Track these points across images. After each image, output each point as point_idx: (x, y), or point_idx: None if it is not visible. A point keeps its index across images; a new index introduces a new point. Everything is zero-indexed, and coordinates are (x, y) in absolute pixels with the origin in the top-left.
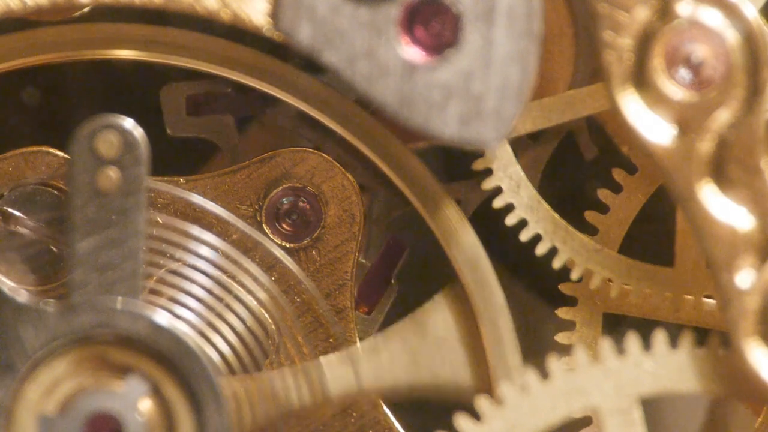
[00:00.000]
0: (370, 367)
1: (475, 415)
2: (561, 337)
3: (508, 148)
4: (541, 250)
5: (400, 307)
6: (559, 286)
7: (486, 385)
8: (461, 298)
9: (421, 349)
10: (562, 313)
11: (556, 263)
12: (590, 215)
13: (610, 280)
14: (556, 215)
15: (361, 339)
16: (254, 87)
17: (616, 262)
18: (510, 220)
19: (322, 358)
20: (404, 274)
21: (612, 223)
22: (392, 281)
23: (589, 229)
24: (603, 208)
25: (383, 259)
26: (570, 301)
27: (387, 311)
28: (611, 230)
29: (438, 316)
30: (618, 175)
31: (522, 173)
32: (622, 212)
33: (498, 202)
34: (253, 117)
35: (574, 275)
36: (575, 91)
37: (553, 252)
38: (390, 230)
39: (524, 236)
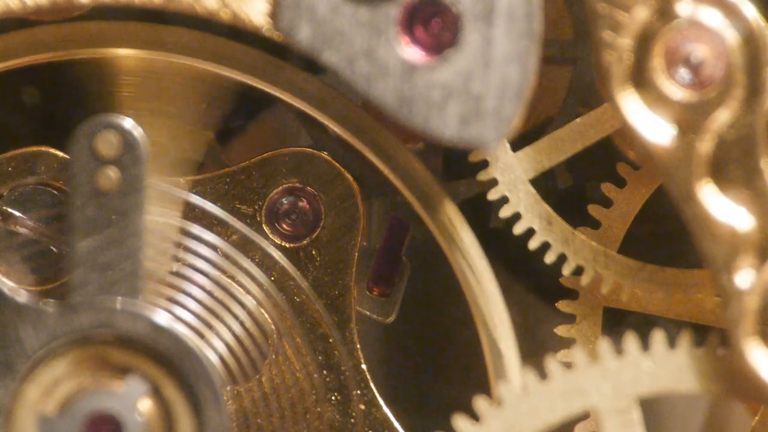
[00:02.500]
0: None
1: (474, 416)
2: (561, 330)
3: (531, 189)
4: (585, 280)
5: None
6: (560, 279)
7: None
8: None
9: None
10: (563, 306)
11: (604, 289)
12: (593, 209)
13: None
14: (593, 243)
15: (382, 321)
16: (230, 99)
17: (662, 276)
18: (549, 258)
19: None
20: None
21: (615, 218)
22: (403, 259)
23: (592, 223)
24: (606, 203)
25: (389, 239)
26: (570, 294)
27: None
28: (614, 225)
29: None
30: (622, 169)
31: (550, 209)
32: (625, 207)
33: (533, 243)
34: (235, 128)
35: (624, 297)
36: (582, 119)
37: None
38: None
39: (566, 270)
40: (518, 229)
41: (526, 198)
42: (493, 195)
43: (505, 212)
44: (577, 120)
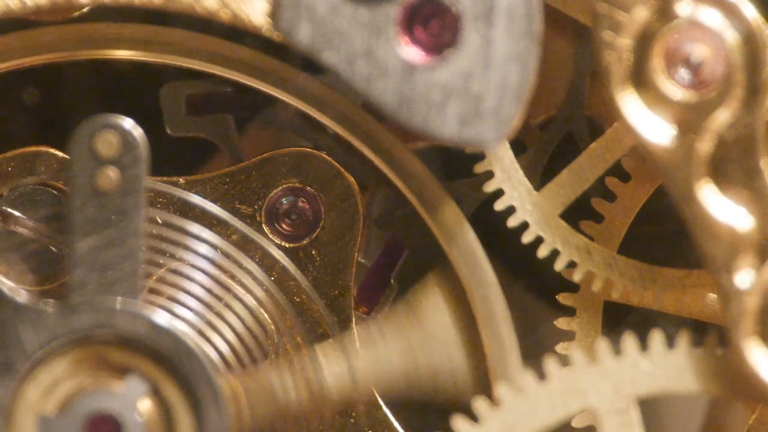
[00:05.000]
0: (366, 359)
1: (473, 417)
2: (561, 323)
3: (563, 223)
4: (635, 299)
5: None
6: (561, 273)
7: (483, 377)
8: (452, 281)
9: (416, 339)
10: (563, 298)
11: (656, 305)
12: (596, 203)
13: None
14: (638, 262)
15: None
16: (254, 86)
17: (687, 278)
18: (596, 286)
19: (318, 351)
20: (404, 275)
21: (618, 212)
22: (392, 281)
23: (595, 217)
24: (610, 197)
25: (382, 259)
26: (571, 288)
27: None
28: (617, 219)
29: (431, 302)
30: (626, 164)
31: (587, 239)
32: (628, 201)
33: (577, 276)
34: (253, 117)
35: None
36: (597, 142)
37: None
38: (389, 230)
39: (615, 294)
40: (559, 264)
41: (560, 233)
42: (527, 237)
43: (543, 251)
44: (592, 145)
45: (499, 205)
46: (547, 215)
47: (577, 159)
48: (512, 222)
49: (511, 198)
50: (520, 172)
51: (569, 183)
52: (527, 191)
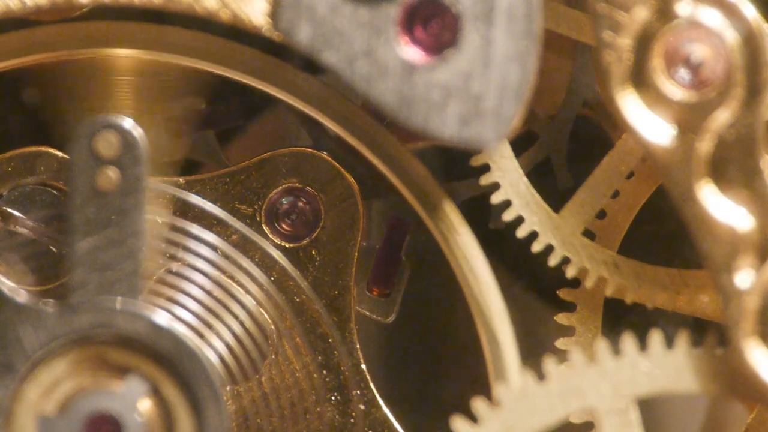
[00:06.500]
0: None
1: (473, 417)
2: (561, 318)
3: (587, 241)
4: (674, 305)
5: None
6: (563, 270)
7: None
8: None
9: None
10: (564, 294)
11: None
12: None
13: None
14: (669, 269)
15: (381, 321)
16: (230, 98)
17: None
18: (609, 291)
19: None
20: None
21: (620, 209)
22: (402, 259)
23: (597, 214)
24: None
25: (389, 239)
26: (571, 284)
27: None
28: (619, 216)
29: None
30: None
31: (614, 254)
32: (631, 198)
33: (609, 290)
34: (235, 128)
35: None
36: (608, 157)
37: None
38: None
39: (630, 298)
40: (589, 282)
41: (585, 250)
42: (553, 260)
43: (571, 272)
44: (604, 160)
45: (521, 232)
46: (569, 235)
47: (592, 175)
48: (536, 247)
49: (531, 224)
50: (537, 197)
51: (588, 201)
52: (547, 215)
